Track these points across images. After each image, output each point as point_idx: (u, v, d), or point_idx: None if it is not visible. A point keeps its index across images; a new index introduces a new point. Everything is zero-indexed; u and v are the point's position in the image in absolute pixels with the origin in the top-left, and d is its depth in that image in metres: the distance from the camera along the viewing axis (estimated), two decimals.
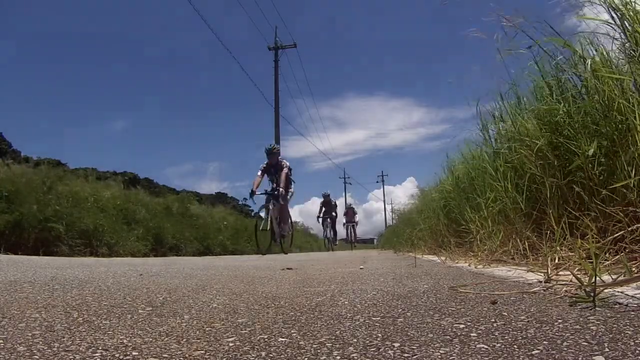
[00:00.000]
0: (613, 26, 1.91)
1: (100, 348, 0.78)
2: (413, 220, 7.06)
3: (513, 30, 2.29)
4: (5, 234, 4.58)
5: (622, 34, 1.88)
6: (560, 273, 1.51)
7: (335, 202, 14.99)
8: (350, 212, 19.43)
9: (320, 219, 14.71)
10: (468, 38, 2.55)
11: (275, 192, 8.45)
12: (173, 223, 8.15)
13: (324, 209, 14.80)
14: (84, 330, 0.91)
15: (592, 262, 1.09)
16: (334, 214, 14.79)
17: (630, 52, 1.84)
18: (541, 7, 2.27)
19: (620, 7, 1.82)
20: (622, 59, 1.91)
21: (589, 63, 2.03)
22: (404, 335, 0.85)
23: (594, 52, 2.07)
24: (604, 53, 2.04)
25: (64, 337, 0.84)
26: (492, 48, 2.55)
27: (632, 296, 1.08)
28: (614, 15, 1.88)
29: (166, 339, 0.85)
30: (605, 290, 1.12)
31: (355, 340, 0.82)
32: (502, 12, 2.31)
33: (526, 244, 2.31)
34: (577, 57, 2.13)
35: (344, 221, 18.82)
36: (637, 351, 0.67)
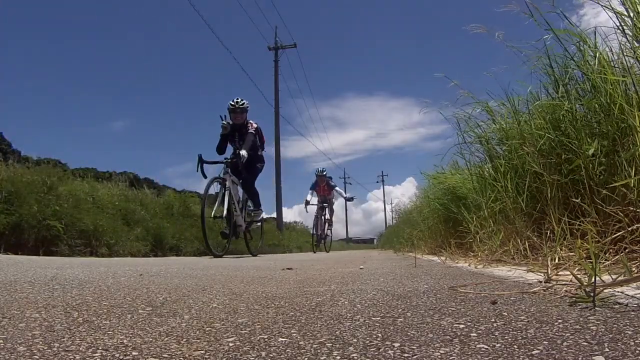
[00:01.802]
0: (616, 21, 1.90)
1: (100, 348, 0.78)
2: (413, 220, 7.06)
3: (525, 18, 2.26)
4: (5, 235, 4.58)
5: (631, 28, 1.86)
6: (560, 273, 1.51)
7: (255, 127, 6.32)
8: (323, 185, 11.09)
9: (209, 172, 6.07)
10: (469, 34, 2.55)
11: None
12: (173, 223, 8.13)
13: (231, 143, 6.30)
14: (84, 330, 0.91)
15: (592, 262, 1.09)
16: (243, 152, 5.88)
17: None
18: (541, 7, 2.27)
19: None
20: (629, 57, 1.90)
21: (597, 60, 2.03)
22: (404, 335, 0.85)
23: (598, 50, 2.07)
24: (606, 52, 2.04)
25: (64, 337, 0.84)
26: (494, 45, 2.55)
27: (632, 296, 1.08)
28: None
29: (166, 339, 0.85)
30: (605, 290, 1.12)
31: (355, 340, 0.82)
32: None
33: (526, 244, 2.31)
34: (588, 49, 2.11)
35: (308, 199, 10.99)
36: (637, 351, 0.67)
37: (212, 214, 5.73)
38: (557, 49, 2.33)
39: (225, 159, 6.04)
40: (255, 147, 6.36)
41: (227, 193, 5.82)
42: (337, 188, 11.82)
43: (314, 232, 11.25)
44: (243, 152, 5.85)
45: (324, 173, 11.52)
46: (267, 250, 11.45)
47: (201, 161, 5.79)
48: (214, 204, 5.91)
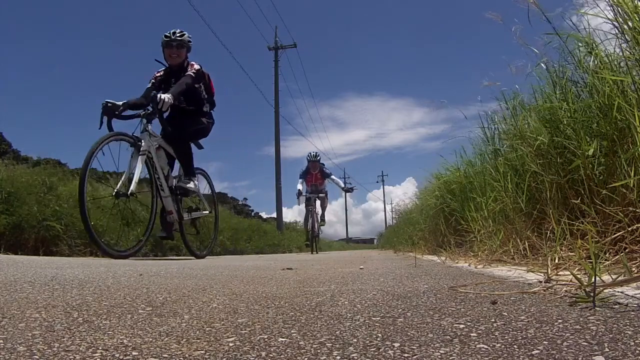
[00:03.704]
0: (614, 22, 1.91)
1: (100, 348, 0.78)
2: (413, 219, 7.06)
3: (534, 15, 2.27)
4: (5, 234, 4.58)
5: (620, 32, 1.88)
6: (560, 273, 1.52)
7: (197, 68, 4.51)
8: (316, 173, 9.52)
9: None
10: (469, 35, 2.57)
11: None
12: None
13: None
14: (84, 330, 0.91)
15: (592, 262, 1.09)
16: (166, 95, 4.05)
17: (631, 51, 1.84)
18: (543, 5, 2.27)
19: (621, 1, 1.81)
20: (623, 58, 1.91)
21: (592, 61, 2.04)
22: (404, 335, 0.85)
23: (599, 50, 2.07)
24: (604, 53, 2.04)
25: (64, 337, 0.84)
26: (496, 45, 2.58)
27: (632, 296, 1.08)
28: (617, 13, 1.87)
29: (166, 339, 0.85)
30: (605, 290, 1.12)
31: (355, 340, 0.82)
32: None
33: (526, 244, 2.31)
34: (584, 51, 2.12)
35: (300, 189, 9.36)
36: (637, 351, 0.67)
37: (116, 189, 3.78)
38: (554, 54, 2.34)
39: (143, 111, 4.12)
40: (196, 97, 4.59)
41: (141, 159, 3.93)
42: (333, 176, 9.86)
43: (307, 229, 9.50)
44: (165, 96, 3.96)
45: (318, 158, 9.66)
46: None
47: (107, 113, 3.85)
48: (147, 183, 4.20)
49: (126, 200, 3.95)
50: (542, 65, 2.43)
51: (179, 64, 4.53)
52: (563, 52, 2.29)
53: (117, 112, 3.97)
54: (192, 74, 4.43)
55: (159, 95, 4.01)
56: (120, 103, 4.03)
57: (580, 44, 2.17)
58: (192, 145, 4.87)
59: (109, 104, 3.92)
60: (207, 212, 5.28)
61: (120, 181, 3.89)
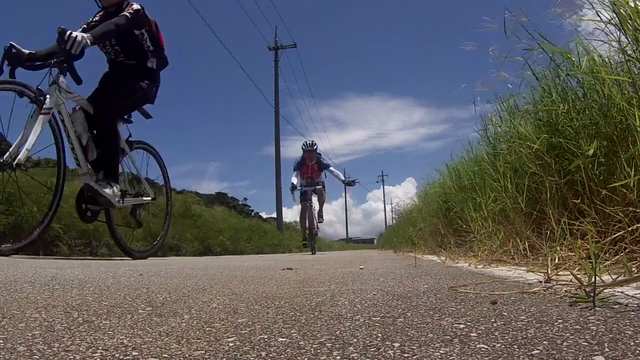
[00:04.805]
0: (610, 25, 1.92)
1: (100, 348, 0.78)
2: (413, 219, 7.06)
3: (517, 27, 2.31)
4: (5, 235, 4.58)
5: (620, 32, 1.88)
6: (560, 273, 1.52)
7: (136, 8, 3.56)
8: (313, 164, 8.46)
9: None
10: (468, 35, 2.62)
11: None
12: (173, 223, 8.12)
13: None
14: (84, 330, 0.91)
15: (592, 262, 1.09)
16: (78, 33, 3.06)
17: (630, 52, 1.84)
18: (542, 7, 2.28)
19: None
20: (620, 58, 1.91)
21: (585, 62, 2.04)
22: (404, 335, 0.85)
23: (592, 52, 2.08)
24: (602, 54, 2.05)
25: (64, 337, 0.84)
26: (497, 46, 2.59)
27: (632, 296, 1.08)
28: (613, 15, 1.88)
29: (166, 339, 0.85)
30: (605, 290, 1.12)
31: (355, 340, 0.82)
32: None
33: (526, 244, 2.31)
34: (575, 60, 2.14)
35: (295, 182, 8.38)
36: (637, 351, 0.67)
37: (2, 159, 2.81)
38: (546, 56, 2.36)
39: (56, 58, 3.16)
40: (137, 48, 3.69)
41: (42, 120, 2.98)
42: (331, 168, 8.69)
43: (305, 227, 8.44)
44: (79, 34, 3.05)
45: (314, 147, 8.40)
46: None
47: (10, 59, 3.03)
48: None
49: (11, 173, 2.90)
50: (530, 73, 2.48)
51: (115, 3, 3.56)
52: (553, 58, 2.30)
53: (23, 59, 3.10)
54: (127, 14, 3.43)
55: (68, 32, 3.00)
56: (27, 52, 3.12)
57: (561, 54, 2.19)
58: (139, 113, 3.96)
59: (14, 50, 3.04)
60: (150, 198, 4.26)
61: (11, 149, 2.88)
